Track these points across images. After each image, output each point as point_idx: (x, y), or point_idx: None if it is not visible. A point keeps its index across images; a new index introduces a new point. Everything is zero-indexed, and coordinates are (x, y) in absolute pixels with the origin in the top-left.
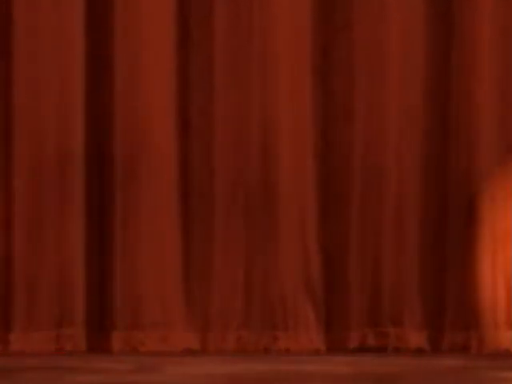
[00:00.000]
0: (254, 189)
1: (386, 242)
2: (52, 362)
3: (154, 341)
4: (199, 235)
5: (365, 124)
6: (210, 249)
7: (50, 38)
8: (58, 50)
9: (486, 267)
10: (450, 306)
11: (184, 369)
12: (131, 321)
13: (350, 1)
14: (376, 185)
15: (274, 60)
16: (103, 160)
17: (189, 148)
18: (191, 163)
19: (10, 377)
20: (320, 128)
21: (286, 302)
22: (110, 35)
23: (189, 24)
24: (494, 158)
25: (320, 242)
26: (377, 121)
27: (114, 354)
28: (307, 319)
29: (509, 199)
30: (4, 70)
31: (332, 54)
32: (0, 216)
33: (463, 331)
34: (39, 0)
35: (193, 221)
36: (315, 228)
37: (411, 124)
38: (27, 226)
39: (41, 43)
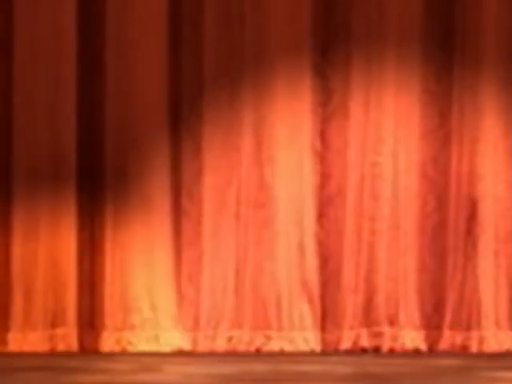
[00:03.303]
0: (249, 189)
1: (383, 241)
2: (51, 362)
3: (145, 341)
4: (190, 234)
5: (360, 123)
6: (201, 248)
7: (45, 41)
8: (51, 51)
9: (488, 268)
10: (449, 306)
11: (181, 369)
12: (122, 321)
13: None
14: (373, 184)
15: (268, 57)
16: (94, 159)
17: (180, 146)
18: (182, 162)
19: (9, 377)
20: (318, 127)
21: (281, 302)
22: (102, 34)
23: (180, 21)
24: (495, 159)
25: (316, 241)
26: (373, 120)
27: (112, 354)
28: (303, 319)
29: (510, 199)
30: None
31: (331, 53)
32: None
33: (463, 331)
34: (35, 3)
35: (184, 220)
36: (312, 228)
37: (410, 124)
38: (24, 229)
39: (36, 45)
